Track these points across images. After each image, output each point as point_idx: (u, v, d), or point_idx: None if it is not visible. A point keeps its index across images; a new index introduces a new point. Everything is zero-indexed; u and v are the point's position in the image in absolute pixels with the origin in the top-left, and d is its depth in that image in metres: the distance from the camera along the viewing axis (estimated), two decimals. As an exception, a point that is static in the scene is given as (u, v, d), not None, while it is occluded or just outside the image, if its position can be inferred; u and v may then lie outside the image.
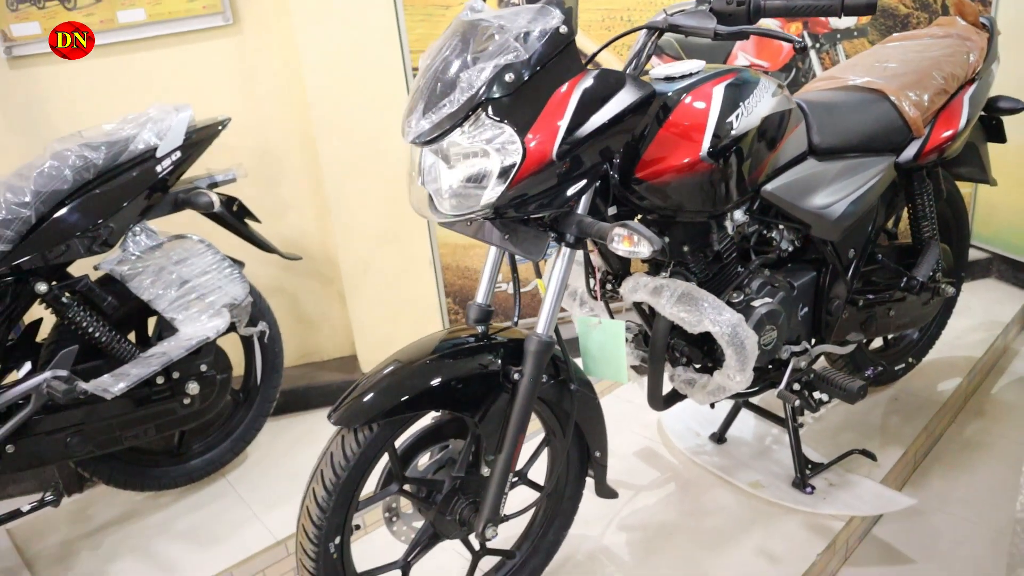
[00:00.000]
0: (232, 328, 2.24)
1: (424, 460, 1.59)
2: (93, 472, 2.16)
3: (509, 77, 1.26)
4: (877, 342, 2.44)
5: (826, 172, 1.78)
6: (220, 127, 2.22)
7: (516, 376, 1.43)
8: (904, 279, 2.04)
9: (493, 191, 1.29)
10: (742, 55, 2.81)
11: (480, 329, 1.53)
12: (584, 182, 1.34)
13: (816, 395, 1.86)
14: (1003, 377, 2.72)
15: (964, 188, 2.54)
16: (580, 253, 1.71)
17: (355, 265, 2.65)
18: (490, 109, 1.27)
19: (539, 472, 1.72)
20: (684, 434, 2.32)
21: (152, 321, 2.19)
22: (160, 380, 2.11)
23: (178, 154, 2.08)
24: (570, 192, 1.34)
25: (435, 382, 1.39)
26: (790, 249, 1.85)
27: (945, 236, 2.35)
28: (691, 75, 1.56)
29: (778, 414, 2.14)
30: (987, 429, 2.44)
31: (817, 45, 2.84)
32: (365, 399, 1.36)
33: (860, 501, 1.96)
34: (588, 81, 1.31)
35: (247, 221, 2.34)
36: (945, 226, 2.36)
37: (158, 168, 2.04)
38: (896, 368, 2.43)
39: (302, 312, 2.85)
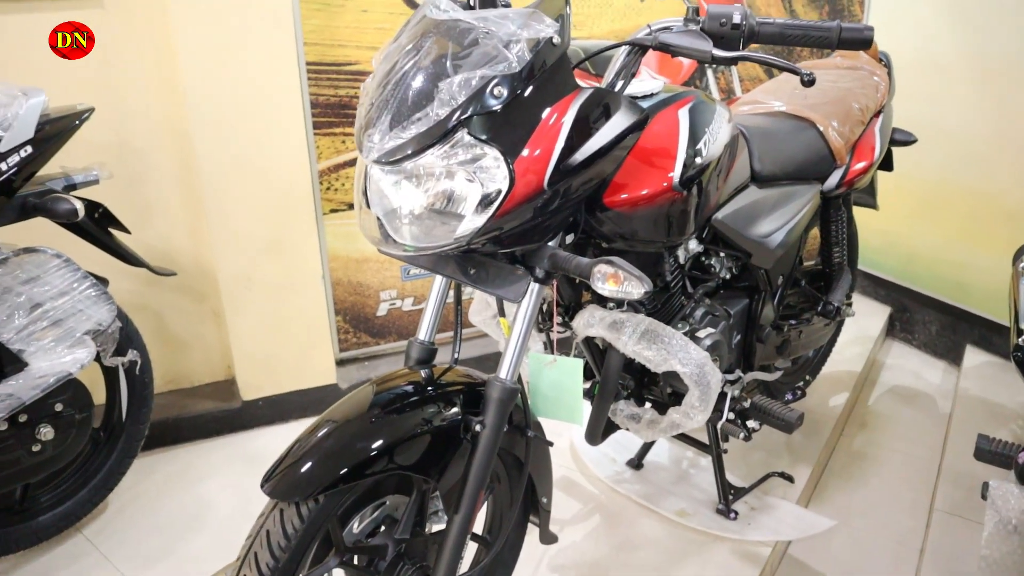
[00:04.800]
0: (96, 358, 1.90)
1: (355, 521, 1.38)
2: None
3: (498, 91, 1.09)
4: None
5: (766, 200, 1.76)
6: (81, 119, 1.87)
7: (478, 427, 1.27)
8: (821, 304, 2.08)
9: (472, 222, 1.12)
10: (644, 69, 2.78)
11: (423, 373, 1.35)
12: (567, 212, 1.21)
13: (749, 423, 1.84)
14: (876, 389, 2.90)
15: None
16: None
17: (236, 279, 2.34)
18: (473, 127, 1.10)
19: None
20: (601, 461, 2.25)
21: None
22: (2, 427, 1.73)
23: (28, 149, 1.72)
24: (554, 224, 1.20)
25: (390, 440, 1.19)
26: (727, 276, 1.82)
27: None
28: (652, 95, 1.46)
29: (699, 439, 2.13)
30: (871, 440, 2.58)
31: (713, 66, 2.86)
32: (310, 465, 1.14)
33: (783, 525, 1.98)
34: (583, 100, 1.18)
35: (112, 231, 1.99)
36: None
37: (2, 166, 1.67)
38: (796, 387, 2.50)
39: (170, 332, 2.49)
